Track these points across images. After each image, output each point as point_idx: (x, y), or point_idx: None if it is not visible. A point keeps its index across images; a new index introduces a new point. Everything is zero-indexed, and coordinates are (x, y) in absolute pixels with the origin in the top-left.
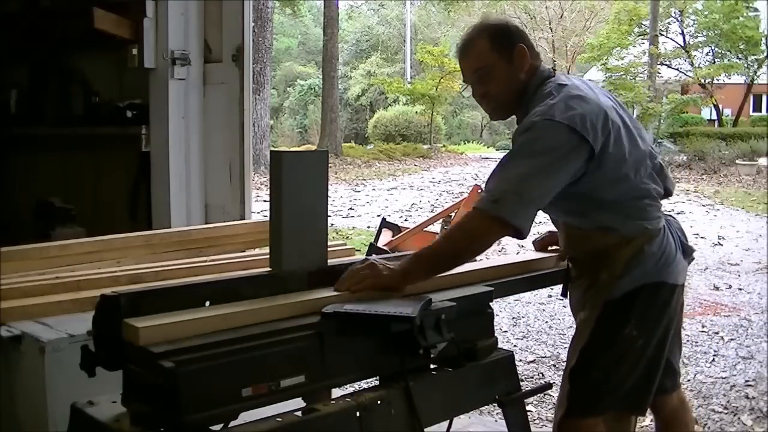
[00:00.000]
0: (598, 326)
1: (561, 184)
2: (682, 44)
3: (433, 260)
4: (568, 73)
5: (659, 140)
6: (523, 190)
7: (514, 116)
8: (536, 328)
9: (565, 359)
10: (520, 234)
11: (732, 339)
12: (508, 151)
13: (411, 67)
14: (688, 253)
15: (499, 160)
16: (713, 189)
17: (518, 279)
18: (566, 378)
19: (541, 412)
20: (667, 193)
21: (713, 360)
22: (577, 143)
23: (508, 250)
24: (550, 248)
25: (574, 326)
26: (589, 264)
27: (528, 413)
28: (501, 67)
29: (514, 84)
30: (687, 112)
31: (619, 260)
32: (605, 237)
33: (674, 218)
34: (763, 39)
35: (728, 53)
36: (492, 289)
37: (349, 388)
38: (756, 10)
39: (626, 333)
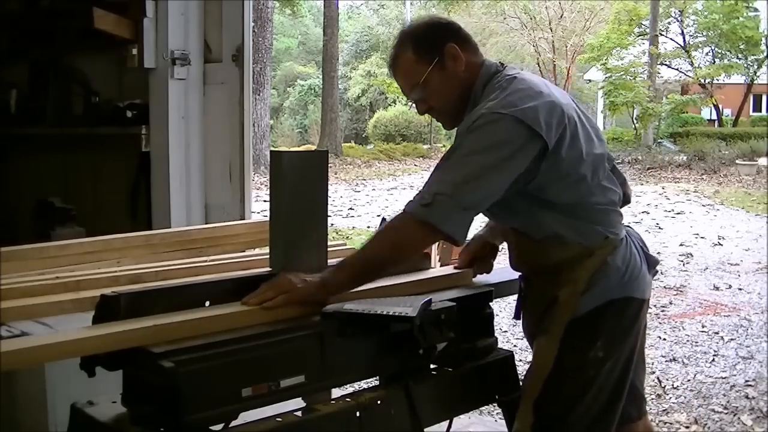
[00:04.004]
0: (562, 351)
1: (505, 185)
2: (682, 44)
3: (356, 268)
4: (568, 74)
5: (659, 140)
6: (458, 192)
7: None
8: None
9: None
10: (453, 241)
11: (732, 339)
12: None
13: None
14: (652, 264)
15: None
16: (713, 189)
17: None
18: (527, 407)
19: None
20: (626, 199)
21: (713, 360)
22: (526, 139)
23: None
24: (479, 258)
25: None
26: (547, 282)
27: None
28: (434, 76)
29: (455, 89)
30: (687, 112)
31: (581, 274)
32: (563, 249)
33: (633, 229)
34: (763, 39)
35: (728, 53)
36: (492, 289)
37: (349, 388)
38: (756, 10)
39: (592, 356)
